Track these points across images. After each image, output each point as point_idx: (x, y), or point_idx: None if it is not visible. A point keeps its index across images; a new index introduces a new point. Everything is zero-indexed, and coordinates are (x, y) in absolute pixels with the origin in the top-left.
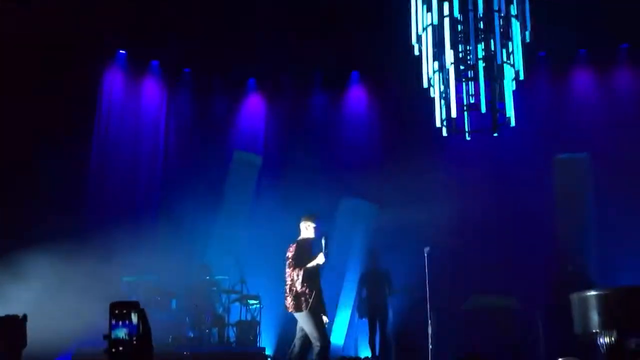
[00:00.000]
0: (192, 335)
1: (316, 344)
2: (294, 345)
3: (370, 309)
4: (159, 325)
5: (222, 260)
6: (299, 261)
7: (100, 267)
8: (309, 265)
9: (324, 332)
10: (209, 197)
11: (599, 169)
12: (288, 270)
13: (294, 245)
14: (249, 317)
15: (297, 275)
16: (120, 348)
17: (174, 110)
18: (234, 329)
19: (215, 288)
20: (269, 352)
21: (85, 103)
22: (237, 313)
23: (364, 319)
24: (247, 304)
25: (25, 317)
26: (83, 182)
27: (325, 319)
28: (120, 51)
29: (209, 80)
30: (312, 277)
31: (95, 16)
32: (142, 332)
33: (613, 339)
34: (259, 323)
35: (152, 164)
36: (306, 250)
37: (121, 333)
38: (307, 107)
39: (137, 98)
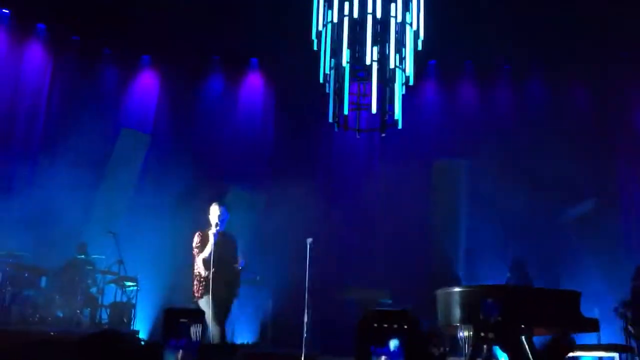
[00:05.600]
0: (61, 315)
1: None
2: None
3: None
4: (26, 303)
5: (100, 239)
6: (199, 249)
7: None
8: (202, 254)
9: (214, 322)
10: (90, 174)
11: (474, 174)
12: None
13: (196, 234)
14: (124, 299)
15: (196, 263)
16: None
17: (59, 79)
18: (107, 310)
19: (90, 267)
20: (142, 335)
21: None
22: (112, 294)
23: None
24: (124, 286)
25: None
26: None
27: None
28: (4, 10)
29: (100, 51)
30: (206, 266)
31: None
32: None
33: (471, 332)
34: (134, 305)
35: (28, 134)
36: (205, 238)
37: None
38: (201, 89)
39: (19, 62)
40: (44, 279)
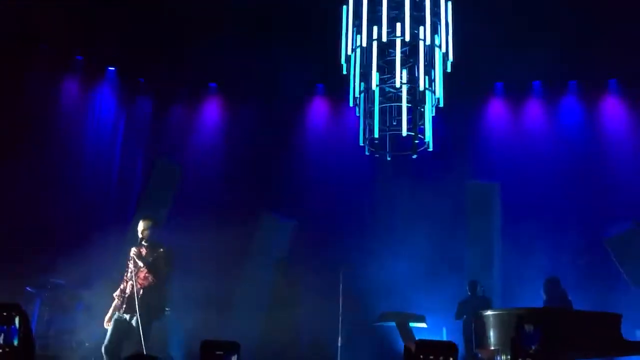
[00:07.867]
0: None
1: None
2: None
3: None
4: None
5: None
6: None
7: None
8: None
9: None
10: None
11: (506, 196)
12: None
13: None
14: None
15: None
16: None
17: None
18: None
19: None
20: None
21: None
22: None
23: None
24: None
25: None
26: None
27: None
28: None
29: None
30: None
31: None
32: (23, 335)
33: (509, 356)
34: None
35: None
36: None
37: (1, 336)
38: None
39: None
40: (81, 304)
